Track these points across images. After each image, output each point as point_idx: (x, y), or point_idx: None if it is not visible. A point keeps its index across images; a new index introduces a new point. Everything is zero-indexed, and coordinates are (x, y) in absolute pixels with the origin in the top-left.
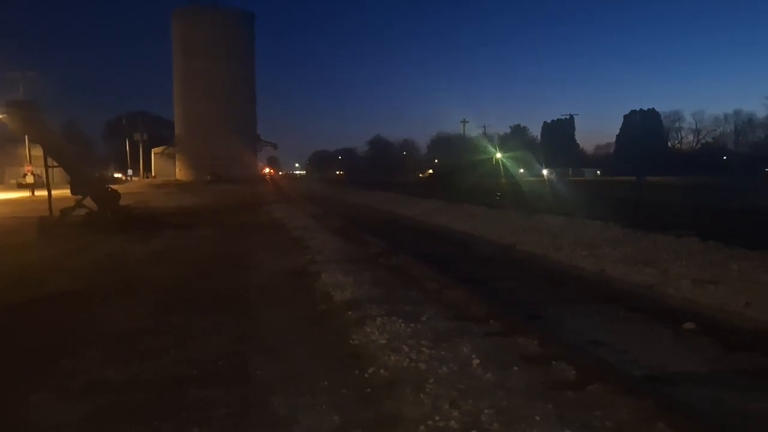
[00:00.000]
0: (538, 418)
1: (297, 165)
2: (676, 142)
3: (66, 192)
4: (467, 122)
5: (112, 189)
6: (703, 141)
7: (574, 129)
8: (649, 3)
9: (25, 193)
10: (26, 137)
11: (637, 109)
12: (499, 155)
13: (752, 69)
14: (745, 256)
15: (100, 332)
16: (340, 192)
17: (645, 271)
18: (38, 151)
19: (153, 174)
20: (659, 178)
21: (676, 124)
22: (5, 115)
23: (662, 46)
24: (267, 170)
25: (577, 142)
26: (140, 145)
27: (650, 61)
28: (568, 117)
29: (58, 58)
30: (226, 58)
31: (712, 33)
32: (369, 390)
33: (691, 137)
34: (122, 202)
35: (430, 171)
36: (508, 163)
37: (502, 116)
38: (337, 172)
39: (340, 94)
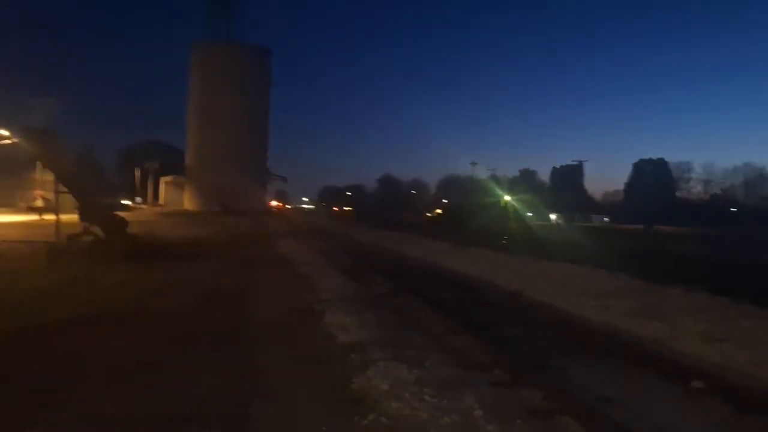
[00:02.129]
0: None
1: (305, 199)
2: (685, 192)
3: (73, 217)
4: (476, 164)
5: (119, 217)
6: (712, 192)
7: (582, 175)
8: (660, 52)
9: (33, 217)
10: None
11: (647, 158)
12: (507, 198)
13: (763, 122)
14: (754, 314)
15: (101, 363)
16: (347, 228)
17: (652, 324)
18: (49, 176)
19: (162, 203)
20: (667, 228)
21: (686, 175)
22: (23, 141)
23: (673, 96)
24: (275, 203)
25: (586, 188)
26: (150, 173)
27: (660, 110)
28: (577, 163)
29: (77, 85)
30: (241, 93)
31: (724, 84)
32: None
33: (700, 188)
34: (130, 230)
35: (439, 211)
36: (517, 207)
37: (511, 159)
38: (345, 208)
39: (352, 131)
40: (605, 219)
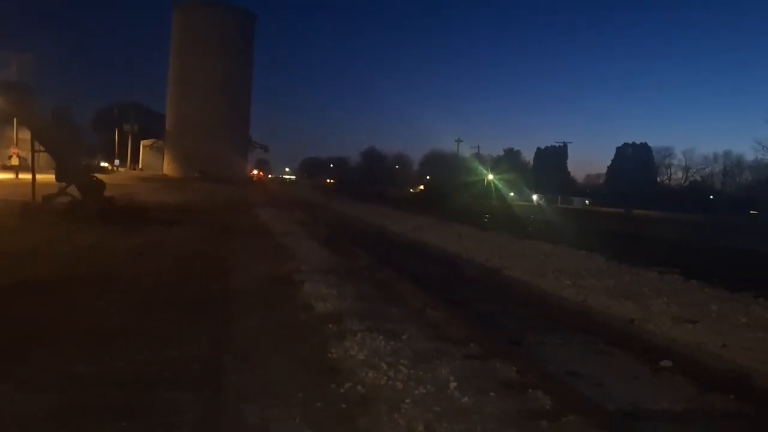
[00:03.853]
0: None
1: (287, 170)
2: (666, 177)
3: (50, 177)
4: (461, 141)
5: (97, 179)
6: (691, 178)
7: (566, 157)
8: (647, 39)
9: (8, 175)
10: (15, 119)
11: (630, 143)
12: (491, 177)
13: (745, 112)
14: (724, 298)
15: (73, 325)
16: (330, 201)
17: (626, 305)
18: (26, 134)
19: (140, 167)
20: (646, 212)
21: (667, 160)
22: None
23: (658, 82)
24: (256, 172)
25: (569, 170)
26: (129, 136)
27: (645, 96)
28: (561, 144)
29: (55, 41)
30: (224, 56)
31: (709, 72)
32: (344, 406)
33: (680, 174)
34: (107, 192)
35: (421, 187)
36: (500, 186)
37: (497, 138)
38: (328, 180)
39: (337, 103)
40: (586, 201)
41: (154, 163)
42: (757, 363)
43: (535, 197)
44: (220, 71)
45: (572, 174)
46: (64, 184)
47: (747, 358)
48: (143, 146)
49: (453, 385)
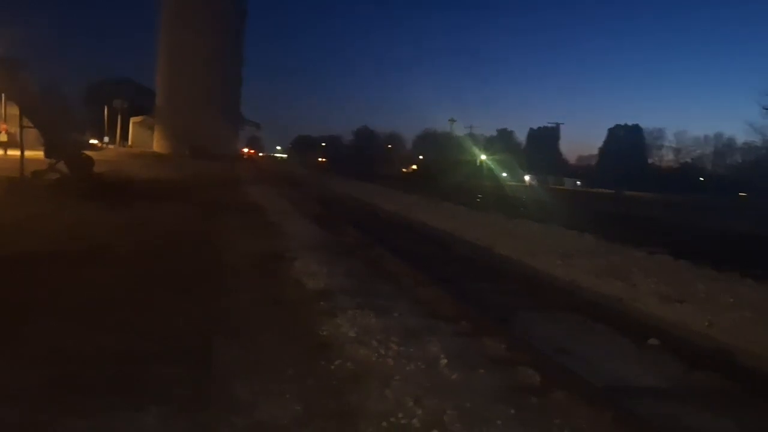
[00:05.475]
0: (500, 422)
1: (279, 148)
2: (657, 159)
3: (39, 153)
4: (455, 121)
5: (86, 155)
6: (682, 160)
7: (558, 138)
8: (639, 21)
9: None
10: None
11: (622, 124)
12: (483, 157)
13: (736, 94)
14: (712, 278)
15: (62, 300)
16: (321, 179)
17: (615, 284)
18: (14, 110)
19: (130, 143)
20: (637, 193)
21: (658, 142)
22: None
23: (651, 63)
24: (247, 150)
25: (561, 151)
26: (119, 112)
27: (637, 77)
28: (554, 125)
29: (43, 16)
30: (214, 32)
31: (701, 54)
32: (335, 382)
33: (671, 155)
34: (96, 169)
35: (414, 166)
36: (493, 166)
37: (490, 118)
38: (320, 159)
39: (330, 81)
40: (578, 182)
41: (144, 139)
42: (742, 342)
43: (527, 177)
44: (211, 48)
45: (564, 155)
46: (53, 160)
47: (732, 336)
48: (133, 123)
49: (443, 361)
